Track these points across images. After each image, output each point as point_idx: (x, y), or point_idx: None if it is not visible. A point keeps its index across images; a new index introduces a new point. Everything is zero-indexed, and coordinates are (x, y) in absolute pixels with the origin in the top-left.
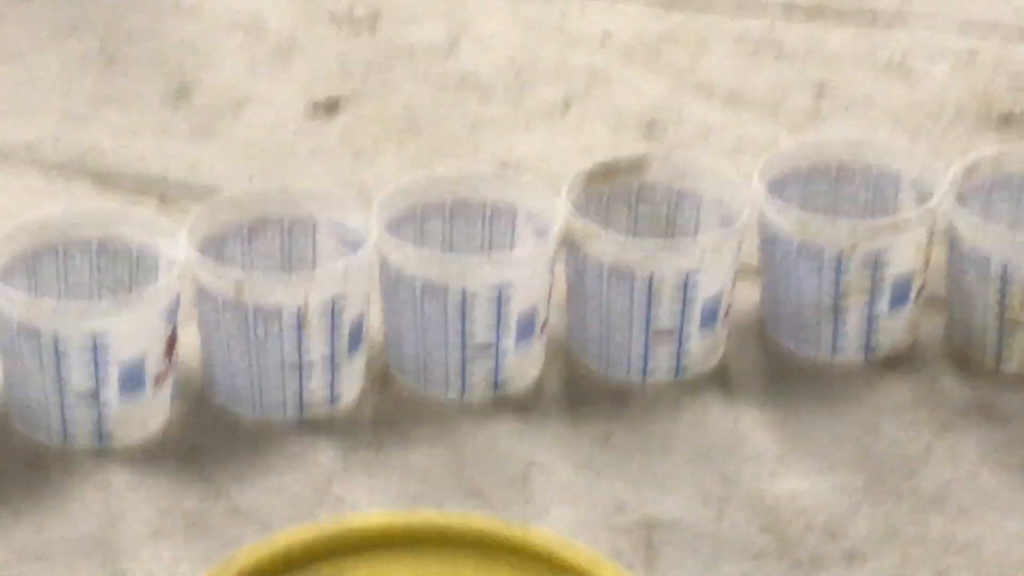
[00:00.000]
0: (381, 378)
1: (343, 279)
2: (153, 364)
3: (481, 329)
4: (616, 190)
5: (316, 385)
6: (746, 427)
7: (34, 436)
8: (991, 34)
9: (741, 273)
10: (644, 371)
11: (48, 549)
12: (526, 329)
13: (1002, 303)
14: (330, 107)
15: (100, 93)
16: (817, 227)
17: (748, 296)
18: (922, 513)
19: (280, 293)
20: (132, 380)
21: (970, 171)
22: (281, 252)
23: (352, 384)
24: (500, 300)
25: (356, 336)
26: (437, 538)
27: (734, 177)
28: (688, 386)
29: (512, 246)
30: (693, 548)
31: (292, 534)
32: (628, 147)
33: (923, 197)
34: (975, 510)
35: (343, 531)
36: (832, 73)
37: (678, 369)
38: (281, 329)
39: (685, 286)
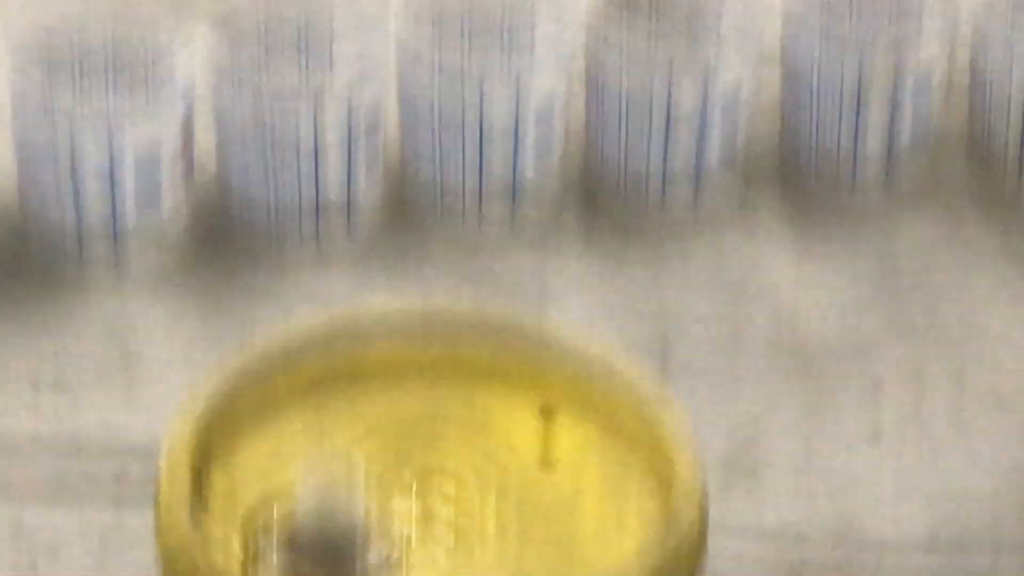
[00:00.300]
0: (397, 170)
1: (360, 64)
2: (169, 150)
3: (500, 115)
4: None
5: (332, 177)
6: (763, 260)
7: (48, 221)
8: None
9: (764, 66)
10: (664, 162)
11: (61, 329)
12: (545, 117)
13: None
14: None
15: None
16: (841, 15)
17: (769, 94)
18: (941, 353)
19: (296, 77)
20: (148, 166)
21: None
22: (298, 37)
23: (369, 176)
24: (519, 89)
25: (373, 125)
26: (452, 324)
27: None
28: (706, 178)
29: (532, 42)
30: (709, 341)
31: (309, 320)
32: None
33: None
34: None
35: (360, 318)
36: None
37: (698, 163)
38: (297, 116)
39: (706, 76)
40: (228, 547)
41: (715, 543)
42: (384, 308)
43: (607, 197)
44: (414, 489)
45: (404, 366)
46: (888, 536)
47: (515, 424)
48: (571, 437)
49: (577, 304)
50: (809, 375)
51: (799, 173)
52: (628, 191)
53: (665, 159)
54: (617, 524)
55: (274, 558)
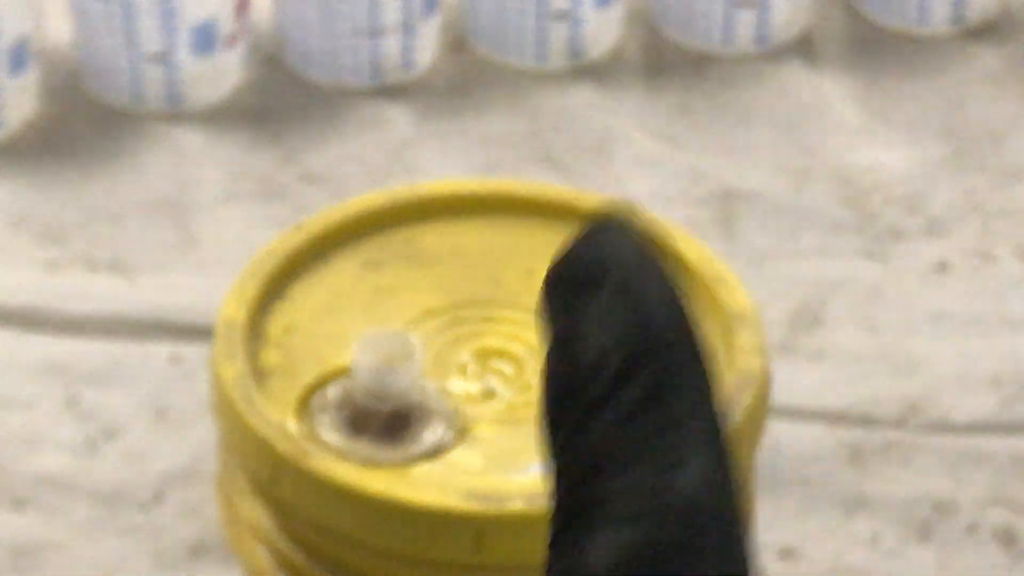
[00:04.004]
0: (457, 45)
1: None
2: (224, 25)
3: None
4: None
5: (390, 51)
6: (828, 98)
7: (104, 98)
8: None
9: None
10: (725, 40)
11: (120, 210)
12: None
13: None
14: None
15: None
16: None
17: None
18: (1006, 186)
19: None
20: (203, 41)
21: None
22: None
23: (427, 51)
24: None
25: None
26: (510, 206)
27: None
28: (770, 56)
29: None
30: (771, 219)
31: (363, 200)
32: None
33: None
34: None
35: (415, 198)
36: None
37: (760, 39)
38: None
39: None
40: (284, 426)
41: (774, 425)
42: (441, 189)
43: (670, 34)
44: (470, 369)
45: (463, 246)
46: (952, 418)
47: None
48: None
49: (639, 143)
50: (873, 229)
51: (867, 4)
52: (691, 30)
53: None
54: None
55: (330, 437)
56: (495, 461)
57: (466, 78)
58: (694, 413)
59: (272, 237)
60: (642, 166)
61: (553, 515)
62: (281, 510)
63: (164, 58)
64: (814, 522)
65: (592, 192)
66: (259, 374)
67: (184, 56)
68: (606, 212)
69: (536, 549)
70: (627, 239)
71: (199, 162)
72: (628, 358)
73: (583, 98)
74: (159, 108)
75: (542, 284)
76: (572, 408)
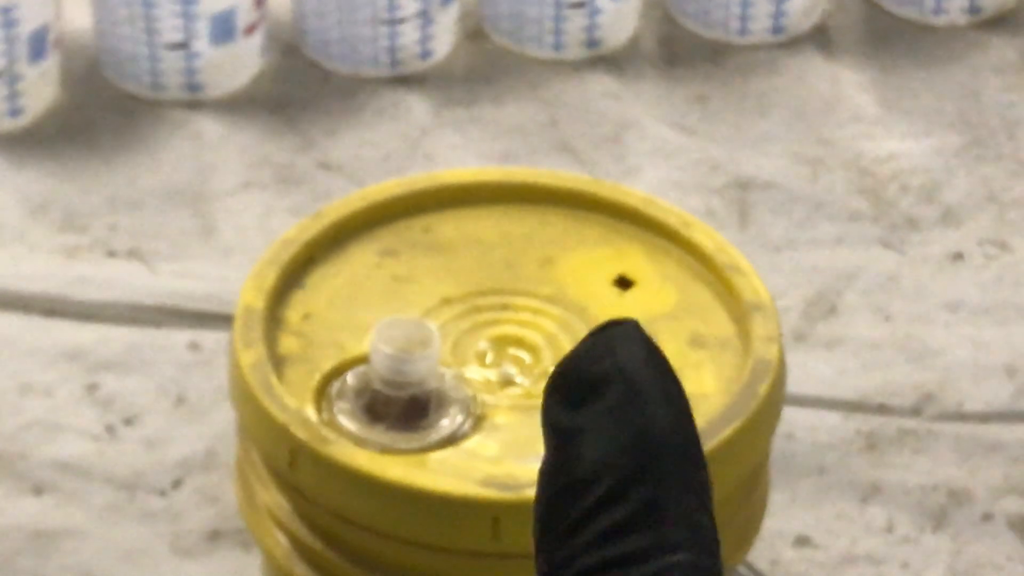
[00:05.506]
0: (474, 34)
1: None
2: (243, 14)
3: None
4: None
5: (408, 40)
6: (845, 88)
7: (124, 86)
8: None
9: None
10: (742, 30)
11: (140, 198)
12: None
13: None
14: None
15: None
16: None
17: None
18: (1021, 176)
19: None
20: (222, 30)
21: None
22: None
23: (445, 40)
24: None
25: None
26: (527, 195)
27: None
28: (786, 45)
29: None
30: (787, 208)
31: (382, 189)
32: None
33: None
34: None
35: (433, 187)
36: None
37: (776, 28)
38: None
39: None
40: (302, 413)
41: (790, 413)
42: (458, 177)
43: (687, 24)
44: (487, 357)
45: (480, 235)
46: (967, 407)
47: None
48: (649, 304)
49: (655, 132)
50: (888, 218)
51: None
52: (708, 20)
53: None
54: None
55: (348, 424)
56: (512, 448)
57: (483, 67)
58: (679, 541)
59: (290, 225)
60: (658, 155)
61: None
62: (299, 496)
63: (183, 47)
64: (829, 510)
65: (609, 181)
66: (277, 361)
67: (203, 45)
68: (614, 319)
69: None
70: (636, 347)
71: (218, 150)
72: (622, 477)
73: (600, 87)
74: (178, 96)
75: (546, 383)
76: (562, 517)
